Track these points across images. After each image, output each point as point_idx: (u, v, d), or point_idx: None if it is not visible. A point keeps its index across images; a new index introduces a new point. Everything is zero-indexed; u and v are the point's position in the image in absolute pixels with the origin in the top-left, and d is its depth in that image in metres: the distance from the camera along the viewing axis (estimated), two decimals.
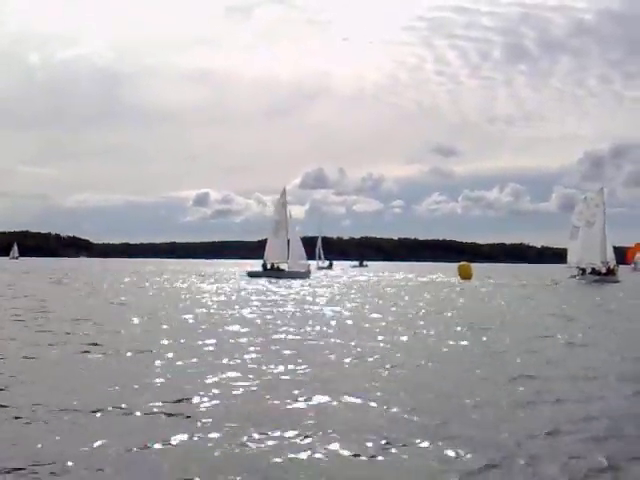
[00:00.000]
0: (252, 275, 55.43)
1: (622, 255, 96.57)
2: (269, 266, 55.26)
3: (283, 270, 54.40)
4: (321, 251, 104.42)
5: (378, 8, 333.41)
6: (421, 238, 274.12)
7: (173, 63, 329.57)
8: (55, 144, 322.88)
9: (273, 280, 49.09)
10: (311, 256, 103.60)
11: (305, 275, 53.97)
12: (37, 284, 40.87)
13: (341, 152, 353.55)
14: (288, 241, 55.06)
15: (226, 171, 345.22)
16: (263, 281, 47.94)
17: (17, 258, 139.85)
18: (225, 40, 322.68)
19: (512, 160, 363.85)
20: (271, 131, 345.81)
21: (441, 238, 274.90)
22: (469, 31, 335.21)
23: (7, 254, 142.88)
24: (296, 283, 45.17)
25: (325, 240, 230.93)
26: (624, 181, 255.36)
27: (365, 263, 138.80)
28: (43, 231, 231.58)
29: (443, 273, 77.54)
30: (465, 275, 56.51)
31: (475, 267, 61.17)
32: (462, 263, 59.90)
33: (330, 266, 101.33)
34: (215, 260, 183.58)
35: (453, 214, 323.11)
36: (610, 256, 60.21)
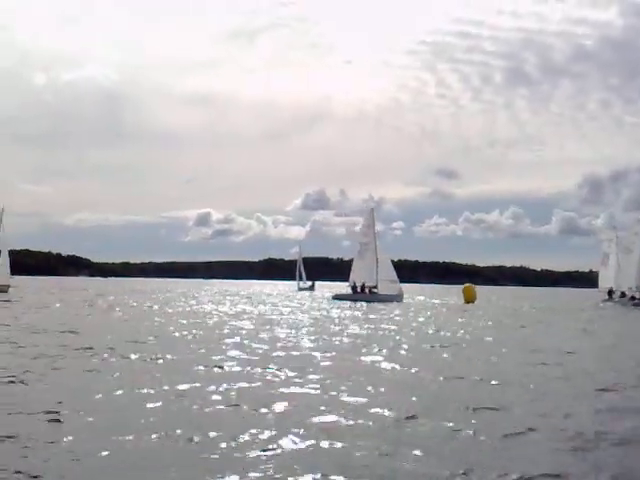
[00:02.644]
0: (339, 298, 54.04)
1: None
2: (359, 289, 53.81)
3: (375, 293, 53.00)
4: (303, 271, 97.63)
5: (381, 32, 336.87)
6: (421, 260, 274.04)
7: (176, 85, 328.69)
8: (57, 163, 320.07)
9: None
10: (292, 276, 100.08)
11: (398, 298, 52.51)
12: None
13: (342, 174, 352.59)
14: (377, 262, 53.95)
15: (226, 192, 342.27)
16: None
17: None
18: (228, 64, 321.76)
19: (512, 183, 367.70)
20: (273, 153, 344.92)
21: (441, 260, 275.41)
22: (471, 55, 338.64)
23: None
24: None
25: (326, 261, 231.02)
26: (623, 205, 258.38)
27: None
28: (43, 250, 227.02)
29: (453, 295, 75.57)
30: (469, 297, 54.54)
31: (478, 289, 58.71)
32: (466, 285, 57.22)
33: (312, 287, 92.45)
34: (232, 280, 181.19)
35: (453, 236, 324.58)
36: None
